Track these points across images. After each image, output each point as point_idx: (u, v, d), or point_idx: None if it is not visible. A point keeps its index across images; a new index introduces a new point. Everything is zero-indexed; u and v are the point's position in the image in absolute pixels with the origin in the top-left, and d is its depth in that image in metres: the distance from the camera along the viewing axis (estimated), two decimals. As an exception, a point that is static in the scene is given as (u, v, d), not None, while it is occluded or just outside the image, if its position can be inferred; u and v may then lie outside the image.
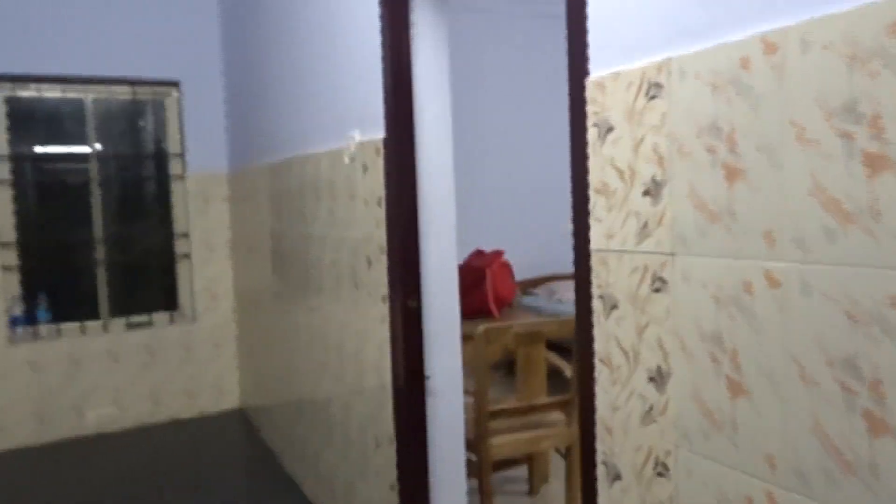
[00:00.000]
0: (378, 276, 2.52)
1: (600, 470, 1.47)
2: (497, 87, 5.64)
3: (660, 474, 1.31)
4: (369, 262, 2.58)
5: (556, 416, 2.96)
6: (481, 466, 2.74)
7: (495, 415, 2.80)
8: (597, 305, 1.45)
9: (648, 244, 1.30)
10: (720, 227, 1.15)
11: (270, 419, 4.12)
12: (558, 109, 2.46)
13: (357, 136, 2.62)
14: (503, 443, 2.81)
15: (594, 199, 1.43)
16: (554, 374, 3.11)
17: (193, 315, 4.73)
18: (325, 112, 2.99)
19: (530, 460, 3.21)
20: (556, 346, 3.33)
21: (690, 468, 1.25)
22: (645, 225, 1.31)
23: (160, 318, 4.68)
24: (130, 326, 4.58)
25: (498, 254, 3.99)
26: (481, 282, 3.77)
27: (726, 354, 1.17)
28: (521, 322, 2.76)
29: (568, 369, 3.00)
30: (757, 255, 1.09)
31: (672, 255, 1.25)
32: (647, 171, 1.30)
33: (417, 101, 2.38)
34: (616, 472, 1.43)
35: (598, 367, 1.45)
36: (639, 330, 1.34)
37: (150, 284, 4.83)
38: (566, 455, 2.93)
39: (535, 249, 5.61)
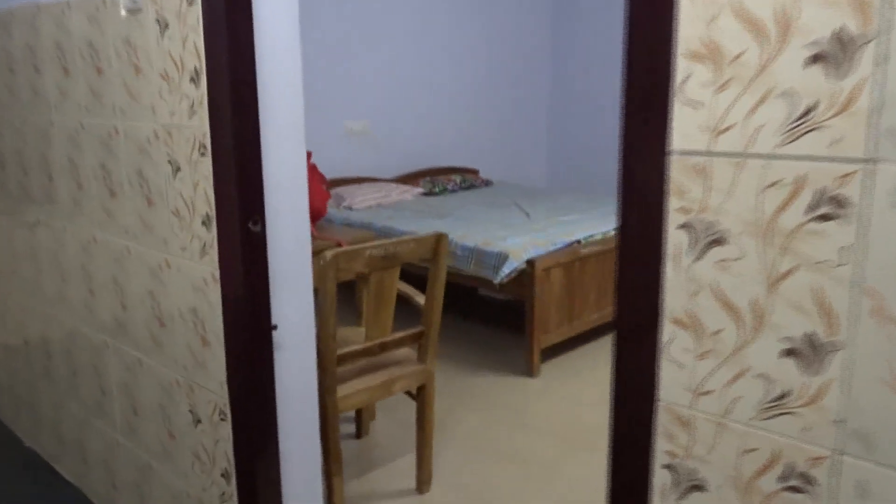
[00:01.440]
0: (192, 187, 1.72)
1: (660, 476, 1.01)
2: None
3: (794, 489, 0.89)
4: (175, 168, 1.76)
5: (405, 352, 2.46)
6: (327, 424, 2.16)
7: (343, 359, 2.21)
8: (676, 239, 0.94)
9: (814, 144, 0.81)
10: None
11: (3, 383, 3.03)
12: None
13: (142, -27, 1.71)
14: (352, 392, 2.25)
15: (686, 67, 0.90)
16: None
17: None
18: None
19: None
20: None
21: (866, 485, 0.84)
22: (809, 111, 0.81)
23: None
24: None
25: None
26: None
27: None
28: (376, 243, 2.17)
29: (420, 297, 2.49)
30: None
31: (870, 161, 0.78)
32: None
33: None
34: (694, 481, 0.98)
35: (670, 331, 0.97)
36: (772, 279, 0.86)
37: None
38: (417, 395, 2.47)
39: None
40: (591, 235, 3.79)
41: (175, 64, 1.68)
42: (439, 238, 2.31)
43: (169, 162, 1.77)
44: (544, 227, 3.87)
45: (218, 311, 1.74)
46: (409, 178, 5.41)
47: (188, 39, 1.62)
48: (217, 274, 1.71)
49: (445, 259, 2.36)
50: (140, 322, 2.02)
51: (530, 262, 3.40)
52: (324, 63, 4.89)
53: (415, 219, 4.22)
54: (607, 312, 3.82)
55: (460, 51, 5.90)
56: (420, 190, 5.07)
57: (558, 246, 3.60)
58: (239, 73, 1.56)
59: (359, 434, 2.91)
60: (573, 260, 3.58)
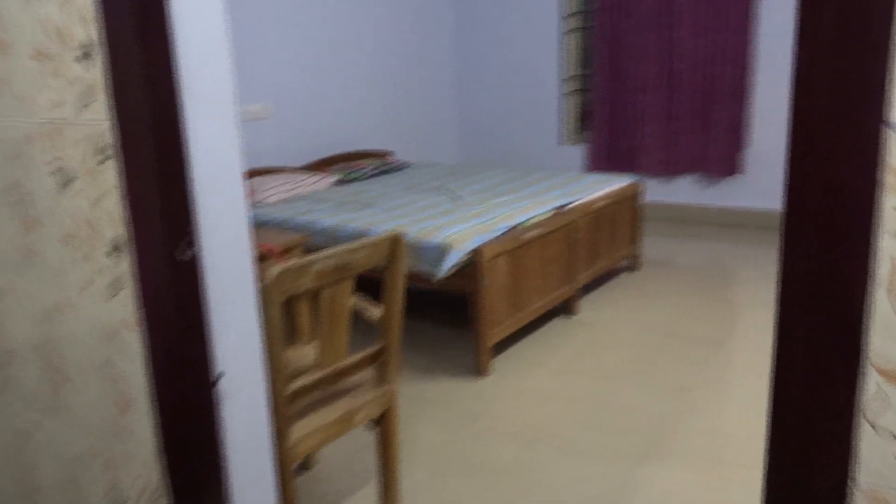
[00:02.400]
0: (91, 204, 1.29)
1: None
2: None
3: None
4: (65, 179, 1.32)
5: (364, 374, 2.11)
6: (283, 472, 1.79)
7: (296, 395, 1.83)
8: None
9: None
10: None
11: None
12: None
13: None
14: (308, 433, 1.88)
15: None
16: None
17: None
18: None
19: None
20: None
21: None
22: None
23: None
24: None
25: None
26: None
27: None
28: (325, 253, 1.80)
29: (375, 311, 2.14)
30: None
31: None
32: None
33: None
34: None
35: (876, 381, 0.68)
36: None
37: None
38: (380, 422, 2.12)
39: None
40: (531, 218, 3.53)
41: (55, 35, 1.23)
42: (395, 240, 1.96)
43: (57, 171, 1.32)
44: (480, 211, 3.58)
45: (139, 365, 1.33)
46: (318, 166, 4.97)
47: (68, 5, 1.19)
48: (137, 317, 1.30)
49: (404, 263, 2.01)
50: (31, 381, 1.56)
51: (476, 252, 3.09)
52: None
53: (336, 211, 3.82)
54: (550, 299, 3.59)
55: (362, 27, 5.47)
56: (333, 178, 4.64)
57: (500, 232, 3.32)
58: (152, 44, 1.15)
59: (305, 465, 2.53)
60: (517, 246, 3.31)
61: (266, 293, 1.64)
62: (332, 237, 3.51)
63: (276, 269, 1.68)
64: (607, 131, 5.82)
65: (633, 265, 4.49)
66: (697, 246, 5.09)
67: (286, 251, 2.56)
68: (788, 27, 5.01)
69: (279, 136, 4.87)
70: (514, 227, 3.41)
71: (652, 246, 4.86)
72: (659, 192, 5.71)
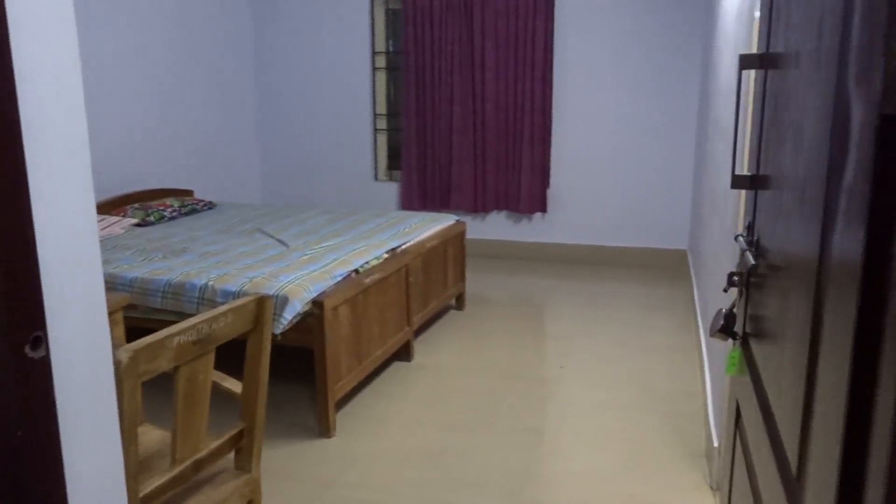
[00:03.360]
0: None
1: None
2: None
3: None
4: None
5: (222, 462, 1.79)
6: None
7: (147, 499, 1.49)
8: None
9: None
10: None
11: None
12: None
13: None
14: (162, 544, 1.54)
15: None
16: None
17: None
18: None
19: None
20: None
21: None
22: None
23: None
24: None
25: None
26: None
27: None
28: (184, 325, 1.48)
29: (234, 383, 1.84)
30: None
31: None
32: None
33: None
34: None
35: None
36: None
37: None
38: (239, 514, 1.82)
39: None
40: (367, 262, 3.37)
41: None
42: (261, 302, 1.70)
43: None
44: (311, 257, 3.35)
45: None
46: (111, 207, 4.39)
47: None
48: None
49: (270, 328, 1.75)
50: None
51: (317, 303, 2.86)
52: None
53: (143, 260, 3.35)
54: (389, 345, 3.44)
55: (153, 53, 4.98)
56: (131, 220, 4.11)
57: (338, 278, 3.12)
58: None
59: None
60: (357, 293, 3.12)
61: (124, 374, 1.32)
62: (143, 292, 3.06)
63: (125, 350, 1.35)
64: (419, 169, 5.84)
65: (459, 304, 4.50)
66: (511, 280, 5.26)
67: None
68: (579, 81, 5.41)
69: (60, 172, 4.21)
70: (352, 273, 3.22)
71: (470, 282, 4.92)
72: (472, 228, 5.84)
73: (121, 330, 2.10)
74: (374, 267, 3.36)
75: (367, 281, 3.19)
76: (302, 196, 6.22)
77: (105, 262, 3.31)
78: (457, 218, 4.45)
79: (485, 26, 5.47)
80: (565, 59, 5.44)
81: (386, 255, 3.54)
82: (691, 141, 5.31)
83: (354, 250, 3.46)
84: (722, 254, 2.80)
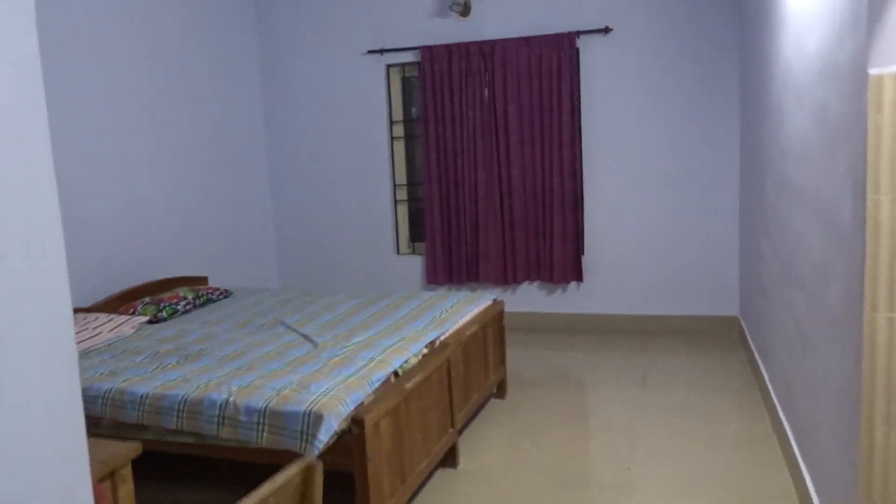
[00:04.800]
0: None
1: None
2: None
3: None
4: None
5: None
6: None
7: None
8: None
9: None
10: None
11: None
12: None
13: None
14: None
15: None
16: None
17: None
18: None
19: None
20: None
21: None
22: None
23: None
24: None
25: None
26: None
27: None
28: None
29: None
30: None
31: None
32: None
33: None
34: None
35: None
36: None
37: None
38: None
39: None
40: (406, 360, 3.00)
41: None
42: (307, 473, 1.33)
43: None
44: (343, 357, 2.98)
45: None
46: (120, 302, 4.06)
47: None
48: None
49: (320, 499, 1.38)
50: None
51: (356, 420, 2.48)
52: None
53: (154, 368, 2.99)
54: (434, 454, 3.04)
55: (165, 140, 4.73)
56: (141, 318, 3.77)
57: (376, 384, 2.74)
58: None
59: None
60: (399, 402, 2.74)
61: None
62: (156, 410, 2.69)
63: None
64: (443, 241, 5.52)
65: (500, 391, 4.09)
66: (550, 356, 4.86)
67: (108, 476, 1.76)
68: (609, 142, 5.12)
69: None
70: (391, 376, 2.85)
71: (507, 361, 4.53)
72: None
73: (130, 488, 1.72)
74: (414, 366, 2.99)
75: (409, 385, 2.81)
76: (321, 275, 5.89)
77: (112, 373, 2.95)
78: (493, 297, 4.10)
79: (506, 89, 5.21)
80: (593, 118, 5.17)
81: (425, 350, 3.17)
82: (734, 198, 4.98)
83: (391, 346, 3.09)
84: (816, 332, 2.43)
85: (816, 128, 2.50)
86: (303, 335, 3.37)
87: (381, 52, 5.48)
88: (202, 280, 4.67)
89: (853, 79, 2.00)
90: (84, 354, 3.23)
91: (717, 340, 4.95)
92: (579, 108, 5.16)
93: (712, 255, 5.06)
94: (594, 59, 5.10)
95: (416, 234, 5.81)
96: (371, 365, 2.86)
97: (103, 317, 3.62)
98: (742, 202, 4.83)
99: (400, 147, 5.71)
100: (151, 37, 4.57)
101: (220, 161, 5.27)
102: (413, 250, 5.80)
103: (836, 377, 2.23)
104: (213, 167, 5.17)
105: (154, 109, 4.59)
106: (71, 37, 3.98)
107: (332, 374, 2.75)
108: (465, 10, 5.18)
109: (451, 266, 5.54)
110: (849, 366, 2.06)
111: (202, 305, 4.15)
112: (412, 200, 5.77)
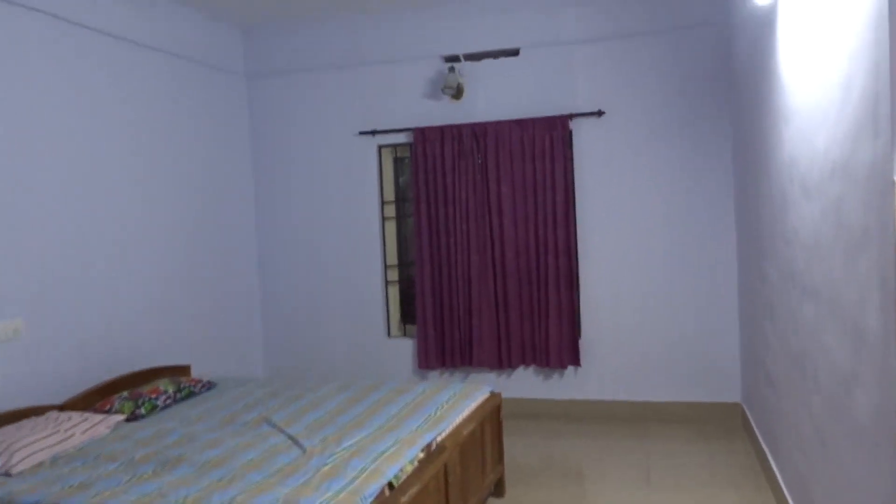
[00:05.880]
0: None
1: None
2: None
3: None
4: None
5: None
6: None
7: None
8: None
9: None
10: None
11: None
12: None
13: None
14: None
15: None
16: None
17: None
18: None
19: None
20: None
21: None
22: None
23: None
24: None
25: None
26: None
27: None
28: None
29: None
30: None
31: None
32: None
33: None
34: None
35: None
36: None
37: None
38: None
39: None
40: (401, 469, 2.80)
41: None
42: None
43: None
44: (333, 465, 2.77)
45: None
46: (97, 397, 3.84)
47: None
48: None
49: None
50: None
51: (348, 545, 2.27)
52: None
53: (129, 480, 2.77)
54: (431, 568, 2.81)
55: (146, 218, 4.61)
56: (118, 417, 3.55)
57: (369, 500, 2.53)
58: None
59: None
60: (394, 517, 2.53)
61: None
62: (129, 531, 2.46)
63: None
64: (435, 323, 5.36)
65: (498, 490, 3.87)
66: (548, 446, 4.64)
67: None
68: (604, 221, 5.05)
69: (33, 362, 3.69)
70: (385, 489, 2.65)
71: (504, 452, 4.31)
72: (497, 387, 5.28)
73: None
74: (410, 475, 2.79)
75: (405, 499, 2.61)
76: (310, 358, 5.69)
77: (83, 486, 2.72)
78: (490, 389, 3.92)
79: (499, 170, 5.16)
80: (587, 197, 5.11)
81: (421, 455, 2.97)
82: (733, 277, 4.88)
83: (384, 453, 2.88)
84: (839, 439, 2.27)
85: (830, 225, 2.41)
86: (290, 437, 3.16)
87: (374, 132, 5.45)
88: (185, 369, 4.46)
89: (874, 184, 1.91)
90: (53, 462, 3.00)
91: (719, 428, 4.76)
92: (573, 187, 5.11)
93: (711, 338, 4.93)
94: (587, 139, 5.08)
95: (408, 315, 5.65)
96: (364, 476, 2.66)
97: (76, 416, 3.40)
98: (741, 283, 4.73)
99: (391, 227, 5.62)
100: (139, 111, 4.50)
101: (207, 240, 5.14)
102: (405, 332, 5.63)
103: (866, 489, 2.07)
104: (199, 247, 5.03)
105: (138, 187, 4.48)
106: (52, 109, 3.88)
107: (322, 489, 2.55)
108: (458, 93, 5.17)
109: (443, 349, 5.36)
110: (883, 482, 1.91)
111: (184, 399, 3.94)
112: (403, 281, 5.64)
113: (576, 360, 5.09)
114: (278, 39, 5.62)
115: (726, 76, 4.79)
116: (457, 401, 3.61)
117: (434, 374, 5.48)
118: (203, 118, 5.15)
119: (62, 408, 3.61)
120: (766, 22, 3.51)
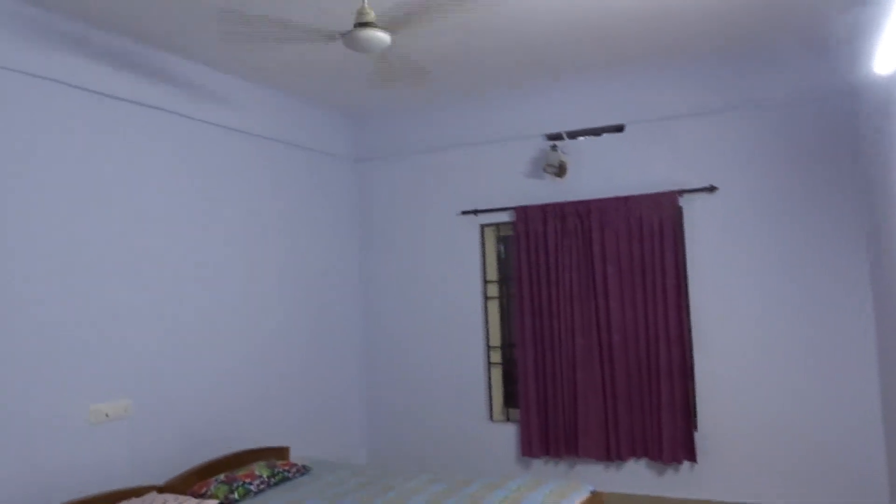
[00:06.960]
0: None
1: None
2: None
3: None
4: None
5: None
6: None
7: None
8: None
9: None
10: None
11: None
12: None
13: None
14: None
15: None
16: None
17: None
18: None
19: None
20: None
21: None
22: None
23: None
24: None
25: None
26: None
27: None
28: None
29: None
30: None
31: None
32: None
33: None
34: None
35: None
36: None
37: None
38: None
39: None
40: (484, 580, 2.60)
41: None
42: None
43: None
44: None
45: None
46: (195, 479, 3.89)
47: None
48: None
49: None
50: None
51: None
52: (53, 319, 3.46)
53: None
54: None
55: (246, 295, 4.75)
56: (212, 502, 3.56)
57: None
58: None
59: None
60: None
61: None
62: None
63: None
64: (539, 409, 5.12)
65: None
66: (663, 555, 4.23)
67: None
68: (720, 306, 4.69)
69: (137, 442, 3.82)
70: None
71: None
72: (605, 480, 4.93)
73: None
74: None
75: None
76: (412, 442, 5.59)
77: (165, 577, 2.71)
78: (592, 489, 3.63)
79: (605, 250, 4.95)
80: (701, 281, 4.77)
81: (507, 565, 2.75)
82: (873, 370, 4.34)
83: (466, 561, 2.69)
84: None
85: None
86: (373, 535, 3.04)
87: (476, 212, 5.42)
88: (283, 451, 4.48)
89: None
90: (144, 548, 3.03)
91: (865, 543, 4.16)
92: (685, 269, 4.80)
93: (850, 436, 4.37)
94: (700, 216, 4.79)
95: (511, 398, 5.44)
96: (441, 588, 2.48)
97: (172, 499, 3.45)
98: (883, 376, 4.19)
99: (494, 307, 5.50)
100: (252, 198, 4.71)
101: (313, 321, 5.23)
102: (507, 417, 5.42)
103: None
104: (304, 328, 5.13)
105: (247, 275, 4.64)
106: (170, 199, 4.12)
107: None
108: (561, 171, 5.07)
109: (547, 437, 5.09)
110: None
111: (277, 484, 3.92)
112: (506, 363, 5.47)
113: (691, 456, 4.67)
114: (384, 124, 5.79)
115: (849, 147, 4.40)
116: (553, 500, 3.36)
117: (538, 463, 5.20)
118: (312, 202, 5.34)
119: (162, 489, 3.68)
120: (890, 89, 3.19)
